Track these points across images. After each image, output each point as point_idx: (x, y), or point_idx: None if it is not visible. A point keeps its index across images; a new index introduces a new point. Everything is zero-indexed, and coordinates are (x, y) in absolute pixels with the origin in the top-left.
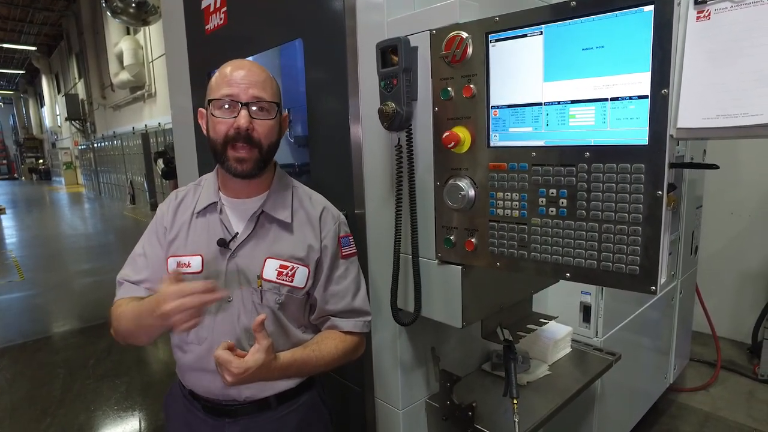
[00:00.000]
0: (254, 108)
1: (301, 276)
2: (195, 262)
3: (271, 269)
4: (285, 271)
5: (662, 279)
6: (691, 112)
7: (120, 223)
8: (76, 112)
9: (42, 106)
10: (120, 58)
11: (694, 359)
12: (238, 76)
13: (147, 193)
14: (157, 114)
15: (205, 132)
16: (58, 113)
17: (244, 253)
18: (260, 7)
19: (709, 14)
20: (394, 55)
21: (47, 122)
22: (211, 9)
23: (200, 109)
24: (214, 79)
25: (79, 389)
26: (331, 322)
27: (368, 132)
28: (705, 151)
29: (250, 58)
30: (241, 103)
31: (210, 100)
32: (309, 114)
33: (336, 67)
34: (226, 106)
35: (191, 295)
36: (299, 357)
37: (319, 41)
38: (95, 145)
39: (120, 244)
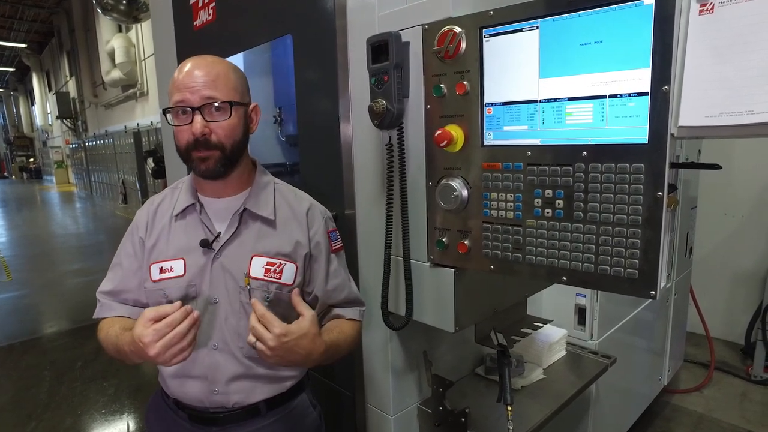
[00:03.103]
0: (209, 108)
1: (289, 272)
2: (177, 266)
3: (258, 267)
4: (272, 268)
5: (662, 283)
6: (693, 109)
7: (111, 223)
8: (67, 110)
9: (32, 104)
10: (112, 56)
11: (687, 360)
12: (188, 79)
13: (139, 192)
14: (149, 113)
15: None
16: (49, 111)
17: (228, 252)
18: (249, 2)
19: (712, 7)
20: (385, 50)
21: (38, 120)
22: (200, 4)
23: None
24: (170, 84)
25: (66, 392)
26: (335, 313)
27: (358, 130)
28: (700, 151)
29: (240, 55)
30: (193, 108)
31: (164, 111)
32: (298, 112)
33: (326, 64)
34: (181, 113)
35: (171, 329)
36: (334, 339)
37: (309, 36)
38: (87, 143)
39: (111, 244)
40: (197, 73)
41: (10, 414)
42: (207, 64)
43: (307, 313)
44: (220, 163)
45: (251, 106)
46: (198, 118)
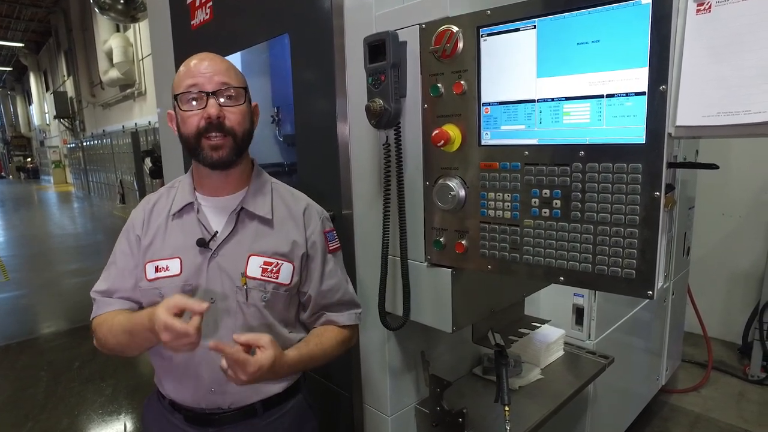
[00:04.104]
0: (222, 97)
1: (286, 272)
2: (173, 266)
3: (255, 266)
4: (270, 268)
5: (659, 283)
6: (690, 109)
7: (109, 223)
8: (64, 110)
9: (30, 104)
10: (109, 55)
11: (685, 360)
12: (201, 67)
13: (137, 192)
14: (147, 112)
15: (176, 132)
16: (46, 111)
17: (225, 251)
18: (246, 2)
19: (709, 7)
20: (382, 50)
21: (35, 120)
22: (197, 4)
23: (168, 111)
24: (176, 75)
25: (63, 392)
26: (327, 318)
27: (356, 130)
28: (697, 151)
29: (237, 54)
30: (208, 92)
31: (176, 96)
32: (296, 112)
33: (323, 64)
34: (193, 98)
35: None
36: (306, 353)
37: (306, 36)
38: (84, 143)
39: (109, 244)
40: (209, 63)
41: (7, 414)
42: (215, 56)
43: (264, 339)
44: (232, 150)
45: (253, 104)
46: (212, 101)
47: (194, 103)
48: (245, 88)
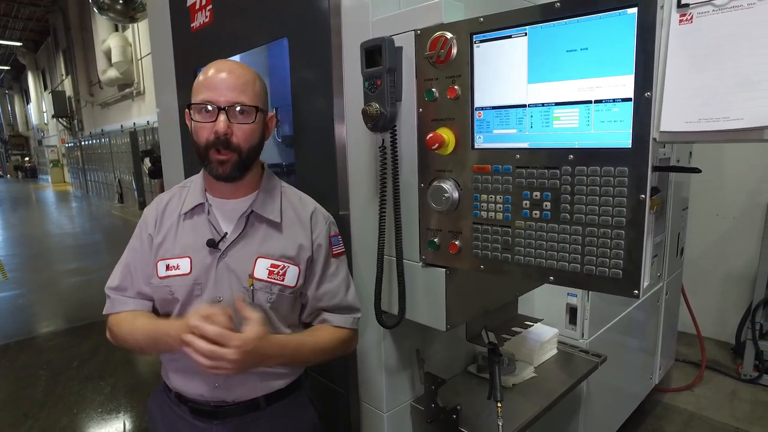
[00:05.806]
0: (233, 113)
1: (291, 275)
2: (183, 264)
3: (262, 268)
4: (276, 270)
5: (645, 283)
6: (673, 115)
7: (108, 222)
8: (63, 109)
9: (28, 103)
10: (108, 55)
11: (679, 359)
12: (217, 80)
13: (135, 192)
14: (146, 112)
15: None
16: (44, 110)
17: (234, 253)
18: (246, 5)
19: (691, 18)
20: (378, 55)
21: (33, 119)
22: (197, 6)
23: (186, 110)
24: (196, 81)
25: (62, 391)
26: (323, 317)
27: (353, 132)
28: (691, 153)
29: (237, 57)
30: (219, 107)
31: (190, 105)
32: (294, 113)
33: (321, 67)
34: (206, 111)
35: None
36: (295, 339)
37: (305, 40)
38: (83, 143)
39: (108, 243)
40: (227, 76)
41: (6, 413)
42: (237, 68)
43: (254, 316)
44: (236, 167)
45: (268, 116)
46: (222, 117)
47: (206, 113)
48: (257, 107)
